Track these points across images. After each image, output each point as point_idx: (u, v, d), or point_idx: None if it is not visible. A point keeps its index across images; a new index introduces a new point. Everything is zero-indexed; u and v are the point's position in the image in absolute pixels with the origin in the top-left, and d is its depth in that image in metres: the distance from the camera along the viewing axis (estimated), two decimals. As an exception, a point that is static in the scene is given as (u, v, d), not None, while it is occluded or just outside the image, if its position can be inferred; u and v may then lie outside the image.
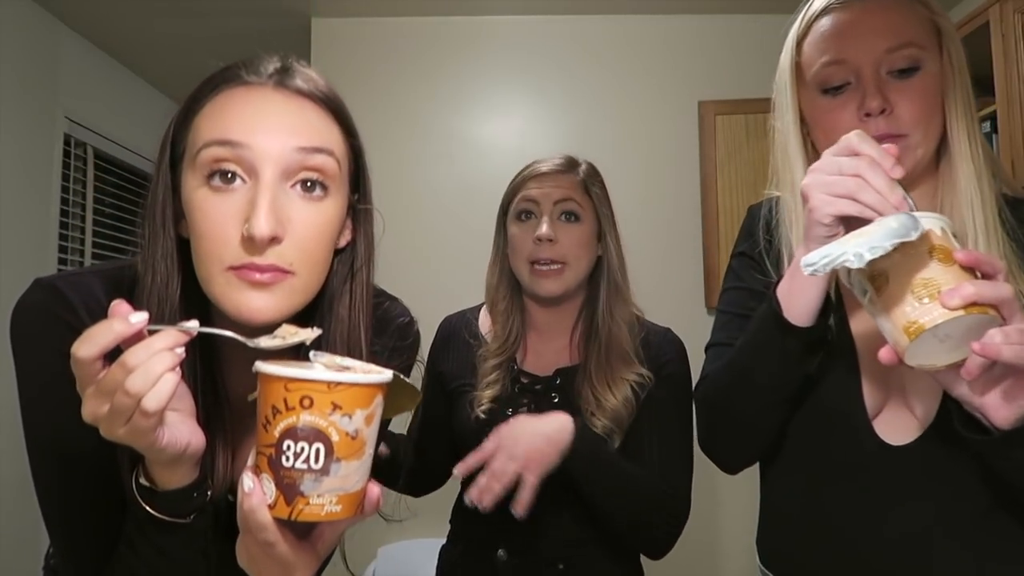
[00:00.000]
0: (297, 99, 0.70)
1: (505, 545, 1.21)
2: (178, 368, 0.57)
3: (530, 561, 1.20)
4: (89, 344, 0.55)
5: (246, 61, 0.71)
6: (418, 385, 0.66)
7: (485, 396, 1.25)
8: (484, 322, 1.36)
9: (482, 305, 1.39)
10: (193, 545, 0.67)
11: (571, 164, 1.32)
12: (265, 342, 0.62)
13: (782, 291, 0.81)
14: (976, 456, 0.73)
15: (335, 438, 0.56)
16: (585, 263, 1.27)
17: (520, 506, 1.04)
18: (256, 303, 0.65)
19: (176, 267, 0.69)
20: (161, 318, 0.67)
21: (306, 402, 0.55)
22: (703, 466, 1.08)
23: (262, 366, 0.57)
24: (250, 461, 0.60)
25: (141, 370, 0.54)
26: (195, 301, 0.70)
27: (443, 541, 1.37)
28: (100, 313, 0.69)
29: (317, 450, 0.56)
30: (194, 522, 0.66)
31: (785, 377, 0.84)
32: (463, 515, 1.33)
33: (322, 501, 0.57)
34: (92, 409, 0.57)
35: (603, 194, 1.31)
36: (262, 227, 0.63)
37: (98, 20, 3.07)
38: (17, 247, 2.76)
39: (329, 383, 0.56)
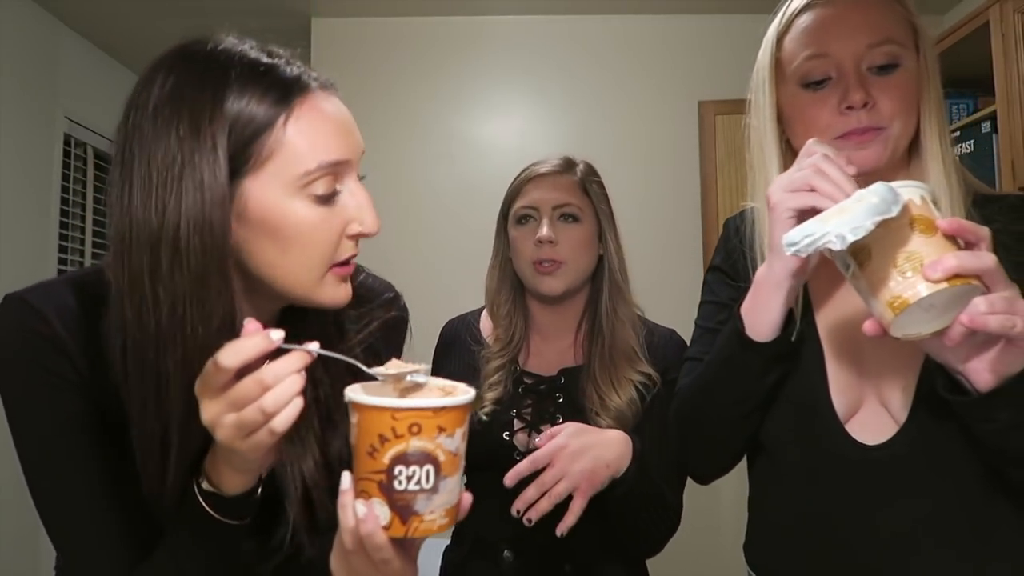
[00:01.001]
0: (336, 97, 0.74)
1: (511, 546, 1.21)
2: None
3: (536, 562, 1.19)
4: (234, 355, 0.58)
5: (270, 68, 0.70)
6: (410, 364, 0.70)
7: (487, 398, 1.24)
8: (485, 325, 1.36)
9: (483, 308, 1.39)
10: (240, 544, 0.70)
11: (568, 165, 1.32)
12: (382, 371, 0.66)
13: (745, 308, 0.83)
14: (960, 425, 0.74)
15: (442, 458, 0.60)
16: (585, 262, 1.27)
17: (564, 528, 1.01)
18: (347, 292, 0.74)
19: (230, 276, 0.68)
20: (224, 331, 0.65)
21: (415, 428, 0.59)
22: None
23: (360, 397, 0.60)
24: (346, 485, 0.62)
25: (277, 391, 0.58)
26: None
27: (443, 541, 1.36)
28: (72, 320, 0.69)
29: (427, 472, 0.60)
30: (246, 521, 0.69)
31: (747, 392, 0.85)
32: (468, 515, 1.32)
33: (434, 516, 0.61)
34: (215, 415, 0.60)
35: (602, 193, 1.31)
36: (376, 224, 0.72)
37: (98, 20, 3.08)
38: (17, 247, 2.76)
39: (435, 408, 0.59)
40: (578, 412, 1.21)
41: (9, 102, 2.73)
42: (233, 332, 0.62)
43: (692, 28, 3.12)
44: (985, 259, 0.63)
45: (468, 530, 1.32)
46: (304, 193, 0.67)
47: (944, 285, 0.63)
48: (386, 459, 0.59)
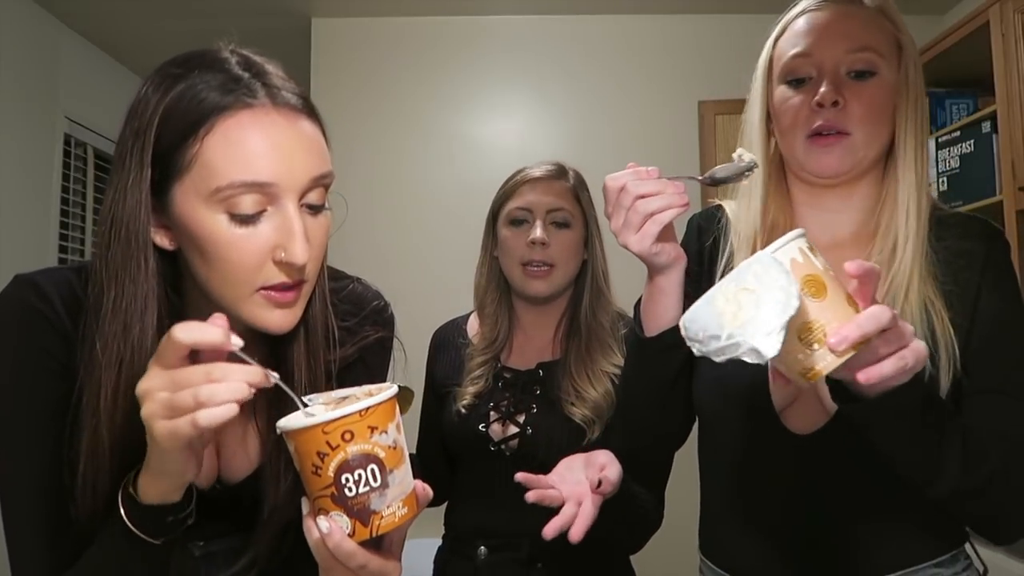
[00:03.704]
0: (296, 119, 0.70)
1: (486, 542, 1.23)
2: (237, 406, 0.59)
3: (509, 559, 1.22)
4: (187, 332, 0.59)
5: (226, 77, 0.68)
6: (403, 380, 0.72)
7: (468, 392, 1.29)
8: (472, 326, 1.41)
9: (471, 313, 1.44)
10: (157, 569, 0.68)
11: (561, 171, 1.37)
12: (314, 398, 0.67)
13: (641, 307, 0.93)
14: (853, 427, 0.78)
15: (382, 455, 0.63)
16: (573, 266, 1.32)
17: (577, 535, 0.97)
18: (283, 319, 0.71)
19: (155, 289, 0.69)
20: (128, 336, 0.68)
21: (347, 436, 0.61)
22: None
23: (290, 423, 0.62)
24: (306, 510, 0.65)
25: (217, 386, 0.58)
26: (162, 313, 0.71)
27: (437, 541, 1.39)
28: (75, 306, 0.72)
29: (372, 471, 0.62)
30: (163, 546, 0.67)
31: (655, 379, 0.94)
32: (449, 512, 1.37)
33: (393, 509, 0.64)
34: (152, 387, 0.59)
35: (589, 200, 1.37)
36: (302, 256, 0.67)
37: (98, 20, 3.08)
38: (17, 247, 2.76)
39: (360, 411, 0.61)
40: (554, 403, 1.26)
41: (9, 102, 2.73)
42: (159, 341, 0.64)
43: (692, 28, 3.12)
44: (883, 318, 0.63)
45: (450, 527, 1.36)
46: (222, 208, 0.66)
47: (852, 353, 0.62)
48: (330, 472, 0.61)
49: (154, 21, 3.05)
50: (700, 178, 0.88)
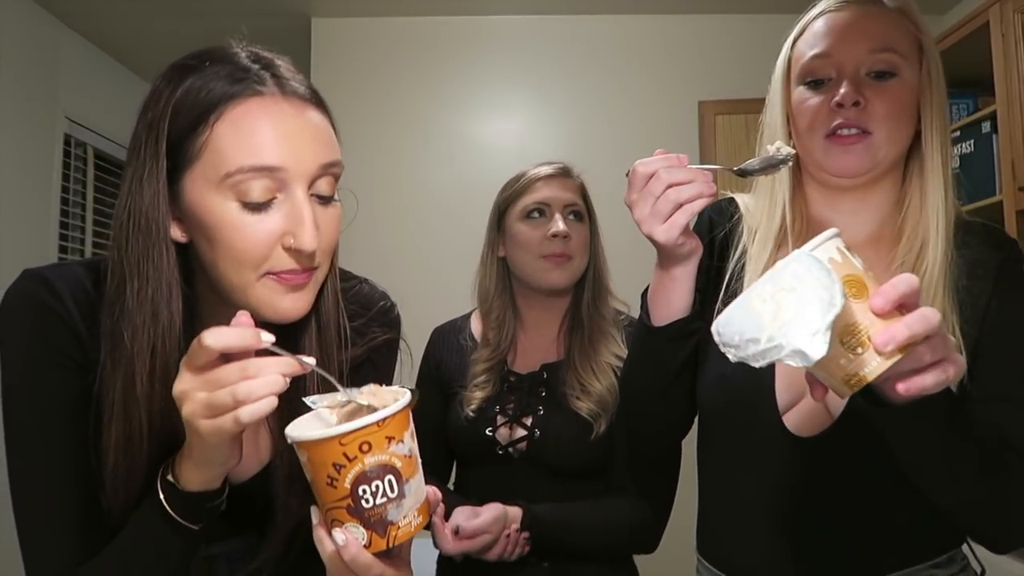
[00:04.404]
0: (305, 108, 0.71)
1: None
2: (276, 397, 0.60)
3: (517, 559, 1.22)
4: (216, 338, 0.59)
5: (235, 68, 0.69)
6: (404, 377, 0.72)
7: (475, 396, 1.30)
8: (476, 326, 1.41)
9: (470, 313, 1.45)
10: (190, 555, 0.69)
11: (569, 170, 1.41)
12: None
13: (650, 297, 0.91)
14: (878, 434, 0.75)
15: (399, 464, 0.62)
16: (587, 259, 1.35)
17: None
18: (293, 304, 0.71)
19: (177, 277, 0.70)
20: (158, 323, 0.68)
21: (365, 447, 0.60)
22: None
23: (304, 435, 0.61)
24: (316, 520, 0.65)
25: (254, 382, 0.58)
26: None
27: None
28: (85, 303, 0.72)
29: (390, 481, 0.61)
30: (200, 531, 0.68)
31: (660, 369, 0.93)
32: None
33: (409, 519, 0.63)
34: (188, 388, 0.60)
35: (591, 201, 1.40)
36: (311, 243, 0.68)
37: (98, 20, 3.08)
38: (17, 247, 2.76)
39: (378, 422, 0.60)
40: (559, 402, 1.27)
41: (9, 102, 2.73)
42: (190, 330, 0.65)
43: (692, 28, 3.12)
44: (933, 319, 0.60)
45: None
46: (232, 195, 0.67)
47: (899, 356, 0.59)
48: (347, 484, 0.60)
49: (154, 21, 3.05)
50: (733, 169, 0.85)
